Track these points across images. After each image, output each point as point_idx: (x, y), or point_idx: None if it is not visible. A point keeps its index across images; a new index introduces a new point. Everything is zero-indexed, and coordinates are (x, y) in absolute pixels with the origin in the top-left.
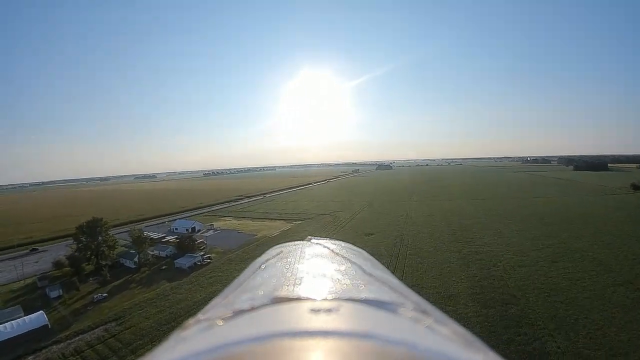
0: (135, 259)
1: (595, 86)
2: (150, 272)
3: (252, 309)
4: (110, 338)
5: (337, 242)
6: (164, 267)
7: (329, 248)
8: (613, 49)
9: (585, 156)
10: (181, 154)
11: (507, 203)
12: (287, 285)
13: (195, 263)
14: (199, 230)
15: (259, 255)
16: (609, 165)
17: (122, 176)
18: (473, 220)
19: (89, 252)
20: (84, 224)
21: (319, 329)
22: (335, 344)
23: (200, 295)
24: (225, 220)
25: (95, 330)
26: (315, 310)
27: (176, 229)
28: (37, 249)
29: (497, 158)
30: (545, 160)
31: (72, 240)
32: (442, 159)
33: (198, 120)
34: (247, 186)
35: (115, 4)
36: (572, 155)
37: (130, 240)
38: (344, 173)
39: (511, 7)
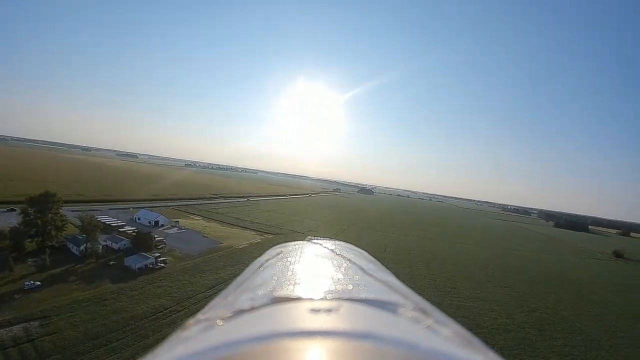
0: (82, 247)
1: (583, 149)
2: (95, 266)
3: (252, 309)
4: (26, 342)
5: (337, 242)
6: (112, 262)
7: (329, 248)
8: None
9: (565, 213)
10: (165, 139)
11: (488, 251)
12: (287, 285)
13: (146, 265)
14: (162, 225)
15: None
16: (589, 227)
17: (103, 149)
18: (454, 266)
19: (34, 229)
20: (36, 196)
21: (319, 329)
22: (335, 344)
23: (142, 309)
24: (193, 219)
25: (14, 327)
26: (315, 310)
27: (138, 218)
28: (15, 210)
29: (478, 201)
30: (525, 211)
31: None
32: (423, 193)
33: (186, 110)
34: (225, 185)
35: None
36: (552, 211)
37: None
38: (324, 190)
39: (505, 47)
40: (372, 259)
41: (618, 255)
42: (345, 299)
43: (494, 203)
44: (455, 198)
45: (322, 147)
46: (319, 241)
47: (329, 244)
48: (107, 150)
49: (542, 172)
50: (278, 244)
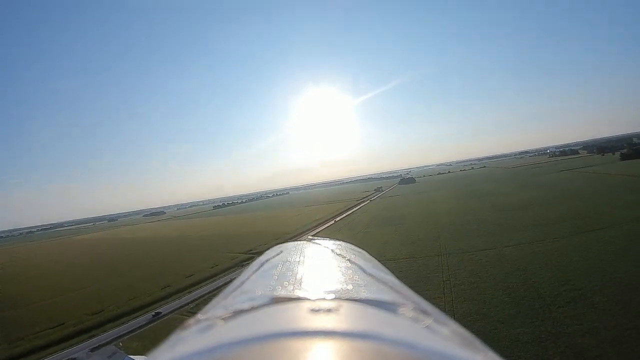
0: None
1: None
2: None
3: (252, 309)
4: None
5: (338, 242)
6: None
7: (329, 248)
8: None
9: (611, 138)
10: (190, 184)
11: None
12: (287, 285)
13: None
14: None
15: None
16: None
17: (131, 213)
18: None
19: None
20: None
21: (319, 329)
22: (335, 344)
23: None
24: None
25: None
26: (315, 310)
27: None
28: (160, 313)
29: (517, 154)
30: (572, 151)
31: None
32: (457, 161)
33: (205, 147)
34: (256, 228)
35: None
36: (595, 140)
37: None
38: (365, 193)
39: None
40: (372, 258)
41: None
42: (345, 299)
43: (531, 150)
44: (490, 158)
45: (349, 147)
46: (319, 241)
47: (329, 243)
48: (135, 212)
49: (571, 102)
50: (278, 243)
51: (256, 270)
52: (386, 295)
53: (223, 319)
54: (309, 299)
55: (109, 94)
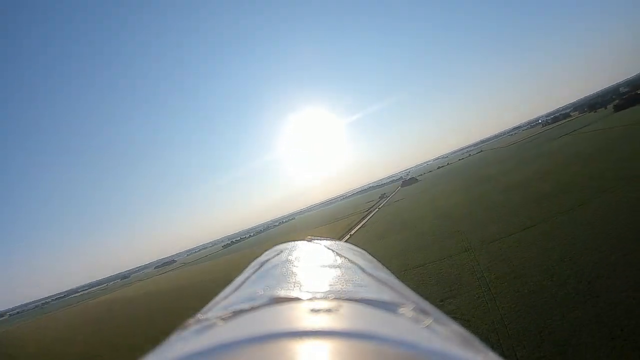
0: None
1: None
2: None
3: (252, 309)
4: None
5: (338, 242)
6: None
7: (329, 248)
8: None
9: (598, 93)
10: (196, 226)
11: None
12: (287, 285)
13: None
14: None
15: (259, 255)
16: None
17: (142, 267)
18: None
19: None
20: None
21: (318, 329)
22: (335, 344)
23: None
24: None
25: None
26: (315, 310)
27: None
28: None
29: (510, 131)
30: (564, 115)
31: None
32: (453, 152)
33: (205, 188)
34: None
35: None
36: (583, 98)
37: None
38: (370, 202)
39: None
40: (372, 258)
41: None
42: (345, 299)
43: (522, 124)
44: (484, 141)
45: (344, 159)
46: (319, 241)
47: (329, 243)
48: (147, 265)
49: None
50: (278, 243)
51: (256, 270)
52: (386, 295)
53: (223, 319)
54: (309, 299)
55: (106, 147)
